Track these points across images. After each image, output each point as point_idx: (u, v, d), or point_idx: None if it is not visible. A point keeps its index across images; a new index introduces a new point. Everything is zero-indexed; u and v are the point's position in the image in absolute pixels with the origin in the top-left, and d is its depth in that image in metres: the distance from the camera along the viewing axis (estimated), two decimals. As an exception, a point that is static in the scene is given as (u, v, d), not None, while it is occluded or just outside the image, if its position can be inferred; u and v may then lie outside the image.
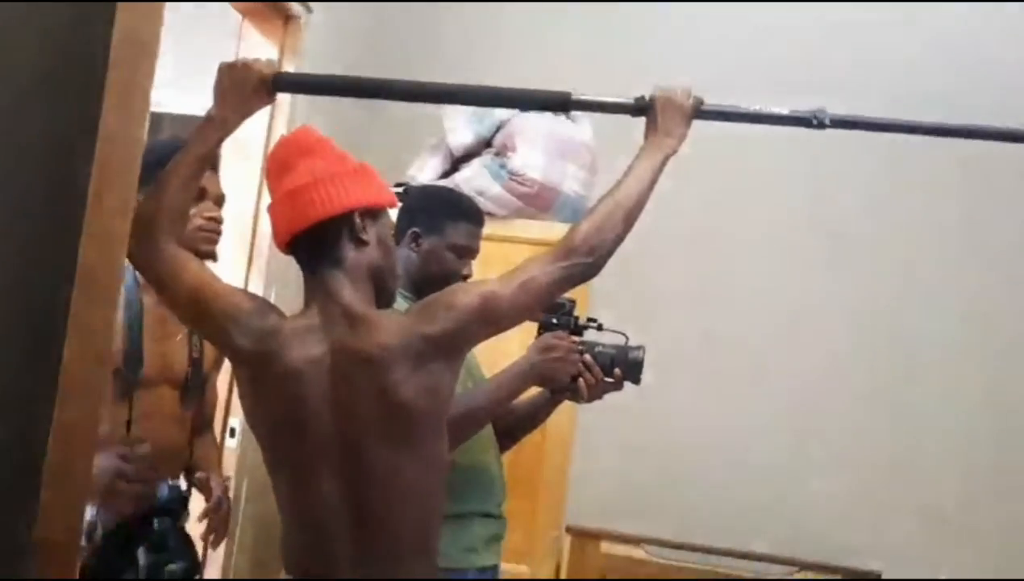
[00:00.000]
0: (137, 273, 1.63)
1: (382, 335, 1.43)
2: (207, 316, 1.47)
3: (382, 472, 1.43)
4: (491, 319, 1.46)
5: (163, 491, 1.68)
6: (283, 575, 1.48)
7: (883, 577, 2.69)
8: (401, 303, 1.66)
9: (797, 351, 2.91)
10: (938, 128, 1.67)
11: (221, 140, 1.54)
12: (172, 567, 1.66)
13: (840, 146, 2.62)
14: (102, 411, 1.61)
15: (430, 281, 1.71)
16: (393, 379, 1.41)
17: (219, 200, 1.82)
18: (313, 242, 1.48)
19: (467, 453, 1.81)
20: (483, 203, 2.49)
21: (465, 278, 1.84)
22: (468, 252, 1.87)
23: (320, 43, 2.70)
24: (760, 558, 2.73)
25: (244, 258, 2.57)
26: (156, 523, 1.66)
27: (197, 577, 1.78)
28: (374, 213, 1.52)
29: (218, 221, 1.81)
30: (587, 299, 2.83)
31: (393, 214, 1.65)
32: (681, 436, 2.91)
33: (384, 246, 1.53)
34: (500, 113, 2.54)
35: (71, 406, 0.77)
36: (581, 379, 1.78)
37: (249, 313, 1.46)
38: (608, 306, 2.82)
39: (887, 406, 2.85)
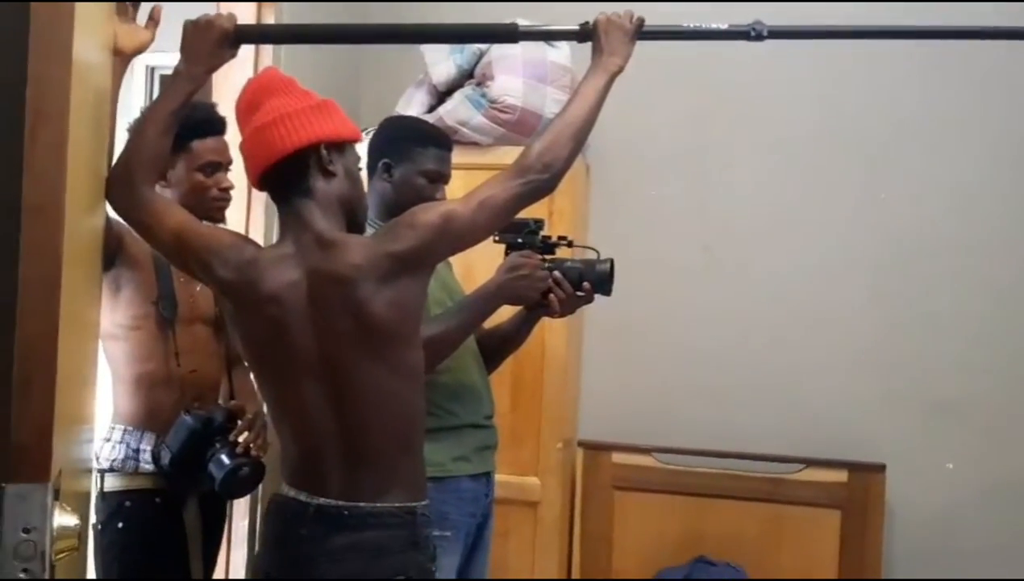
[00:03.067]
0: None
1: (352, 255, 1.52)
2: (190, 253, 1.58)
3: (361, 382, 1.53)
4: (452, 235, 1.55)
5: (218, 415, 1.89)
6: (283, 489, 1.59)
7: (887, 468, 2.75)
8: (371, 231, 1.74)
9: (797, 255, 2.94)
10: (881, 31, 1.70)
11: (191, 94, 1.62)
12: (244, 471, 1.86)
13: (835, 57, 2.64)
14: (151, 346, 1.87)
15: (404, 208, 1.80)
16: (364, 295, 1.51)
17: (229, 165, 1.95)
18: (283, 175, 1.57)
19: (452, 371, 1.93)
20: (466, 133, 2.56)
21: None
22: (439, 177, 1.95)
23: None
24: (766, 458, 2.81)
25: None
26: (218, 444, 1.85)
27: None
28: (340, 146, 1.61)
29: (231, 189, 1.97)
30: (586, 218, 2.91)
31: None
32: (685, 346, 2.98)
33: (352, 178, 1.63)
34: (481, 44, 2.59)
35: (28, 323, 0.88)
36: (551, 294, 1.86)
37: (229, 247, 1.57)
38: (610, 220, 2.91)
39: (888, 304, 2.88)
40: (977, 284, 2.82)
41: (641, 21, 1.62)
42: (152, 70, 3.68)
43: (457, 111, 2.57)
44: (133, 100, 3.37)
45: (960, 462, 2.81)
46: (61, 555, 0.93)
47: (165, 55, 3.53)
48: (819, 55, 2.55)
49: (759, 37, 1.58)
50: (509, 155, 2.54)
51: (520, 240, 1.90)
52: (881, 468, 2.76)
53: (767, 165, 2.97)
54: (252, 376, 1.66)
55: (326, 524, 1.53)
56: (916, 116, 2.87)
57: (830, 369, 2.90)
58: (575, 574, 2.86)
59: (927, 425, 2.83)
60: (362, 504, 1.54)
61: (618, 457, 2.88)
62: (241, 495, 2.00)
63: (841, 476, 2.77)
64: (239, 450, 1.87)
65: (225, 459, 1.84)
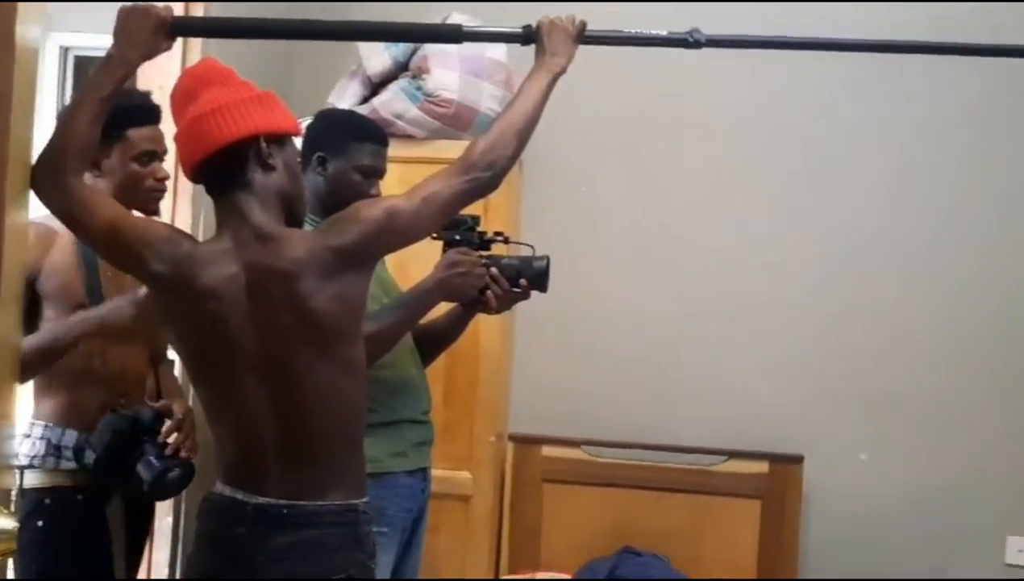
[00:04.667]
0: None
1: (292, 249, 1.50)
2: (123, 246, 1.53)
3: (302, 379, 1.52)
4: (395, 231, 1.54)
5: (146, 415, 1.84)
6: (218, 488, 1.56)
7: (806, 460, 2.85)
8: (310, 228, 1.72)
9: (725, 253, 3.00)
10: (819, 43, 1.75)
11: (122, 81, 1.57)
12: (174, 474, 1.82)
13: (769, 59, 2.70)
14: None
15: (339, 204, 1.78)
16: (305, 290, 1.49)
17: (164, 154, 1.91)
18: (220, 167, 1.54)
19: (391, 367, 1.92)
20: (401, 126, 2.55)
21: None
22: (375, 172, 1.93)
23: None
24: (691, 450, 2.88)
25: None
26: (146, 444, 1.80)
27: None
28: (279, 139, 1.59)
29: (167, 179, 1.92)
30: (519, 213, 2.93)
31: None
32: (615, 341, 3.02)
33: (291, 171, 1.60)
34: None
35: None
36: (489, 291, 1.87)
37: (163, 240, 1.53)
38: (542, 217, 2.93)
39: (811, 302, 2.96)
40: (898, 281, 2.93)
41: (583, 25, 1.64)
42: (66, 51, 3.53)
43: (392, 103, 2.55)
44: (45, 82, 3.23)
45: (875, 454, 2.93)
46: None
47: (79, 35, 3.43)
48: (753, 57, 2.61)
49: (697, 45, 1.63)
50: (445, 149, 2.57)
51: (458, 237, 1.90)
52: (799, 459, 2.86)
53: (699, 163, 3.02)
54: (186, 372, 1.62)
55: (265, 523, 1.51)
56: (848, 114, 2.95)
57: (754, 364, 2.98)
58: (504, 567, 2.88)
59: (844, 418, 2.94)
60: (303, 503, 1.52)
61: (548, 450, 2.91)
62: (170, 497, 1.96)
63: (762, 467, 2.86)
64: (168, 451, 1.82)
65: (154, 461, 1.80)
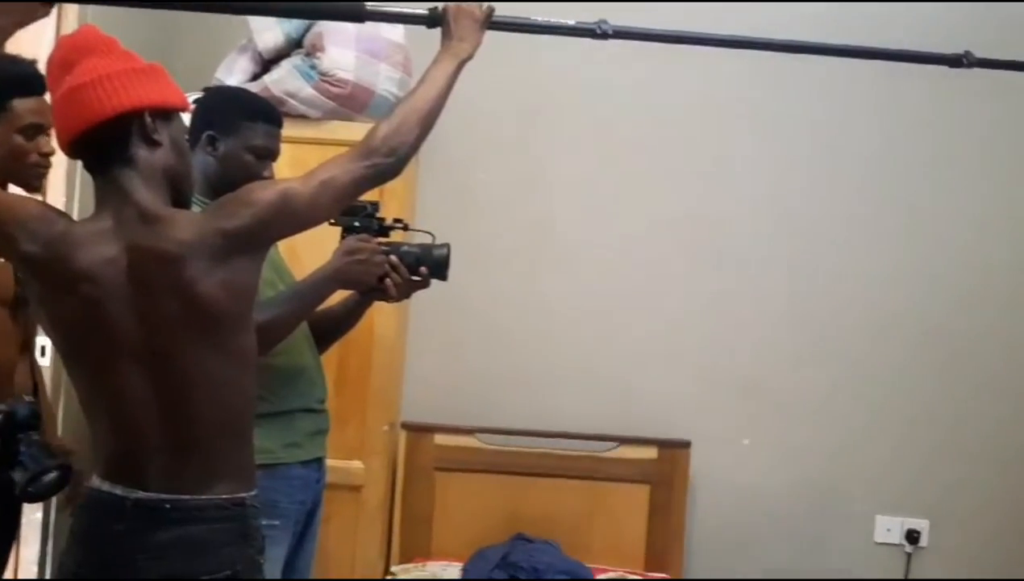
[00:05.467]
0: None
1: (179, 231, 1.42)
2: None
3: (187, 368, 1.44)
4: (290, 216, 1.48)
5: (21, 410, 1.72)
6: (95, 483, 1.48)
7: (692, 445, 2.93)
8: (198, 210, 1.64)
9: (617, 241, 3.04)
10: (726, 40, 1.78)
11: None
12: (51, 476, 1.70)
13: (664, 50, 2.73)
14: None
15: (230, 185, 1.69)
16: (192, 275, 1.41)
17: (50, 128, 1.78)
18: (101, 142, 1.44)
19: (285, 354, 1.86)
20: (294, 105, 2.47)
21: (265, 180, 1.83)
22: (268, 153, 1.86)
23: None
24: (583, 437, 2.92)
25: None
26: (21, 443, 1.68)
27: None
28: (166, 114, 1.50)
29: (52, 154, 1.80)
30: (414, 200, 2.88)
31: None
32: (508, 329, 3.03)
33: (178, 149, 1.52)
34: (314, 15, 2.48)
35: None
36: (388, 279, 1.83)
37: (36, 219, 1.43)
38: (437, 205, 2.89)
39: (697, 290, 3.04)
40: (780, 271, 3.03)
41: (491, 10, 1.61)
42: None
43: (284, 81, 2.46)
44: None
45: (756, 439, 3.03)
46: None
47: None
48: (646, 50, 2.64)
49: (604, 36, 1.63)
50: (339, 130, 2.51)
51: (357, 223, 1.85)
52: (687, 445, 2.93)
53: (595, 153, 3.04)
54: (61, 361, 1.51)
55: (146, 519, 1.43)
56: (730, 107, 3.01)
57: (643, 353, 3.03)
58: (395, 557, 2.85)
59: (728, 405, 3.03)
60: (186, 497, 1.45)
61: (441, 438, 2.89)
62: (45, 499, 1.83)
63: (651, 453, 2.92)
64: (45, 451, 1.70)
65: (29, 462, 1.68)
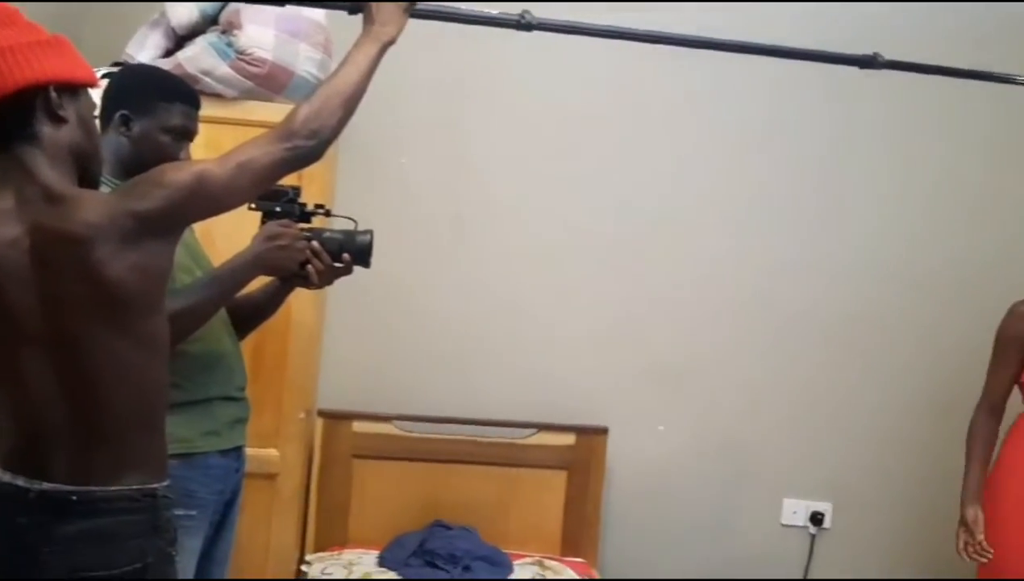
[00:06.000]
0: None
1: (87, 212, 1.37)
2: None
3: (94, 354, 1.39)
4: (205, 198, 1.44)
5: None
6: (-1, 473, 1.41)
7: (610, 431, 2.97)
8: (106, 190, 1.58)
9: (537, 229, 3.04)
10: (653, 36, 1.80)
11: None
12: None
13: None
14: None
15: (144, 167, 1.62)
16: (99, 257, 1.36)
17: None
18: (3, 118, 1.38)
19: (202, 341, 1.81)
20: (209, 84, 2.39)
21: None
22: (184, 133, 1.80)
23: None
24: (502, 424, 2.93)
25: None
26: None
27: None
28: (72, 89, 1.44)
29: None
30: (334, 185, 2.83)
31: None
32: (427, 315, 3.01)
33: (85, 126, 1.46)
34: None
35: None
36: (310, 265, 1.80)
37: None
38: (357, 190, 2.85)
39: (614, 279, 3.07)
40: (697, 261, 3.08)
41: None
42: None
43: (199, 59, 2.38)
44: None
45: (673, 424, 3.09)
46: None
47: None
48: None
49: (527, 27, 1.64)
50: (257, 110, 2.45)
51: (278, 208, 1.81)
52: (604, 431, 2.97)
53: (518, 140, 3.03)
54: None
55: (51, 511, 1.39)
56: (654, 101, 3.05)
57: (562, 340, 3.06)
58: (310, 545, 2.81)
59: (646, 391, 3.08)
60: (93, 488, 1.40)
61: (358, 426, 2.86)
62: None
63: (569, 439, 2.95)
64: None
65: None
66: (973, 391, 2.58)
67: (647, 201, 3.07)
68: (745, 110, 3.08)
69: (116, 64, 2.36)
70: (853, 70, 1.91)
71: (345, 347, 2.96)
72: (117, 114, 1.75)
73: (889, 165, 3.11)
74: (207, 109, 2.35)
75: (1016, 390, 2.53)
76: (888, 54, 1.86)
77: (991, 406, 2.53)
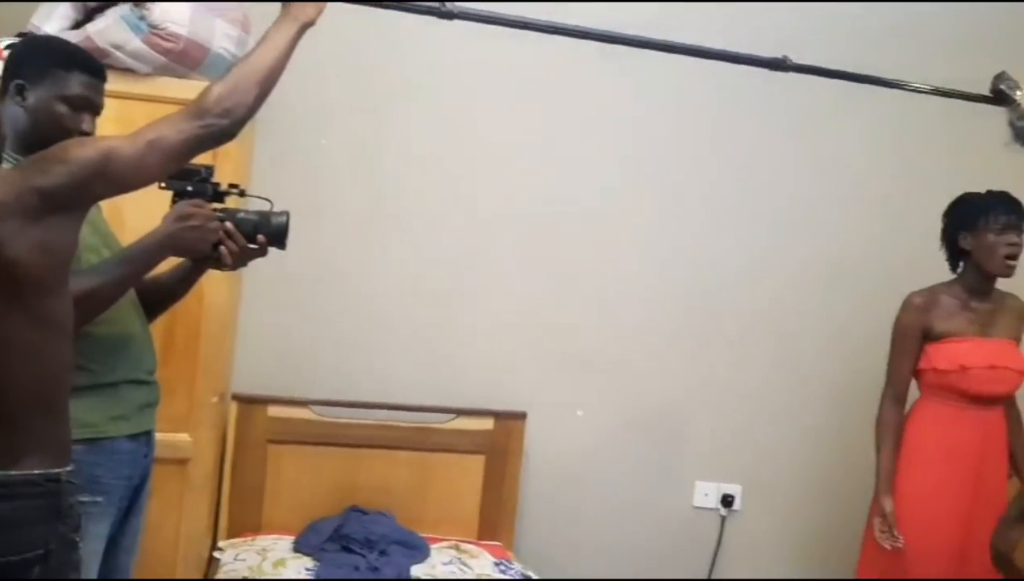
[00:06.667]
0: None
1: None
2: None
3: None
4: (113, 176, 1.40)
5: None
6: None
7: (528, 416, 3.01)
8: (8, 167, 1.52)
9: (457, 214, 3.04)
10: (571, 31, 1.81)
11: None
12: None
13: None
14: None
15: (42, 139, 1.57)
16: (2, 235, 1.31)
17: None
18: None
19: (109, 323, 1.76)
20: (120, 58, 2.32)
21: (84, 136, 1.71)
22: (86, 104, 1.73)
23: None
24: (420, 409, 2.93)
25: None
26: None
27: None
28: None
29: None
30: (250, 165, 2.78)
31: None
32: (344, 299, 2.98)
33: None
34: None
35: None
36: (223, 247, 1.77)
37: None
38: (274, 170, 2.80)
39: (533, 265, 3.09)
40: (613, 247, 3.13)
41: None
42: None
43: (110, 32, 2.30)
44: None
45: (590, 409, 3.14)
46: None
47: None
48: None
49: (448, 16, 1.64)
50: (170, 87, 2.38)
51: (190, 187, 1.77)
52: (522, 416, 3.00)
53: (440, 122, 3.01)
54: None
55: (-53, 497, 1.33)
56: (570, 89, 3.07)
57: (481, 325, 3.07)
58: (223, 531, 2.77)
59: (564, 377, 3.12)
60: (-8, 472, 1.36)
61: (274, 410, 2.83)
62: None
63: (487, 424, 2.97)
64: None
65: None
66: (875, 379, 2.70)
67: (567, 189, 3.10)
68: (674, 104, 3.14)
69: (20, 35, 2.27)
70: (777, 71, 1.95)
71: (261, 330, 2.92)
72: (12, 83, 1.68)
73: (803, 164, 3.21)
74: (118, 85, 2.29)
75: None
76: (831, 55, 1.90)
77: (896, 395, 2.64)
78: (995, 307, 2.63)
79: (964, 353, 2.56)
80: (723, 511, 3.23)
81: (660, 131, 3.15)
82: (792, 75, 1.94)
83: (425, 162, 3.02)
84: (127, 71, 2.34)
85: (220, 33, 2.41)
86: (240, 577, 2.47)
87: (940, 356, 2.57)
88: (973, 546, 2.51)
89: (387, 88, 2.99)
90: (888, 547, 2.50)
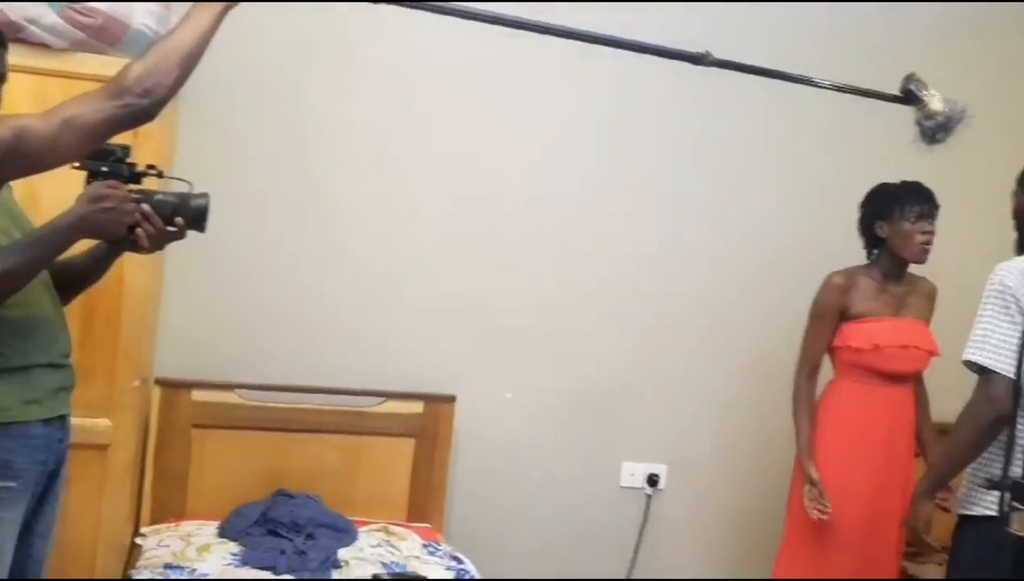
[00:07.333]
0: None
1: None
2: None
3: None
4: (25, 154, 1.37)
5: None
6: None
7: (457, 399, 3.02)
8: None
9: (382, 193, 3.01)
10: (508, 20, 1.81)
11: None
12: None
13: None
14: None
15: None
16: None
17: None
18: None
19: (21, 305, 1.71)
20: (35, 32, 2.25)
21: None
22: None
23: None
24: (349, 392, 2.92)
25: None
26: None
27: None
28: None
29: None
30: (174, 146, 2.72)
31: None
32: (271, 282, 2.95)
33: None
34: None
35: None
36: (140, 229, 1.73)
37: None
38: (199, 152, 2.75)
39: (461, 248, 3.10)
40: (543, 232, 3.15)
41: None
42: None
43: (25, 6, 2.23)
44: None
45: (519, 392, 3.17)
46: None
47: None
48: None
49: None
50: (86, 63, 2.32)
51: (105, 168, 1.72)
52: (452, 399, 3.01)
53: (368, 101, 2.99)
54: None
55: None
56: (510, 69, 3.07)
57: (410, 308, 3.06)
58: (145, 516, 2.73)
59: (493, 360, 3.14)
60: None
61: (199, 394, 2.79)
62: None
63: (417, 407, 2.98)
64: None
65: None
66: (791, 359, 2.79)
67: (498, 172, 3.11)
68: (608, 88, 3.16)
69: (-75, 6, 2.18)
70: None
71: (185, 314, 2.87)
72: None
73: (733, 148, 3.28)
74: (33, 60, 2.24)
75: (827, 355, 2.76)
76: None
77: (810, 369, 2.74)
78: (908, 290, 2.74)
79: (878, 333, 2.66)
80: (649, 490, 3.30)
81: (593, 114, 3.18)
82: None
83: (354, 143, 3.00)
84: (42, 46, 2.27)
85: (141, 9, 2.35)
86: (163, 563, 2.43)
87: (856, 335, 2.67)
88: (882, 517, 2.62)
89: (316, 68, 2.95)
90: (816, 517, 2.58)
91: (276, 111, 2.93)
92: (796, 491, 2.71)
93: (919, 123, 1.90)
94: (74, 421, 1.93)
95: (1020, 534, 1.09)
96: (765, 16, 3.20)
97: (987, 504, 1.98)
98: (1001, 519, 1.12)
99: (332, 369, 2.96)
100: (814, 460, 2.65)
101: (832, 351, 2.75)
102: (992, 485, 1.93)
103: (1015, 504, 1.09)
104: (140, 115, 1.45)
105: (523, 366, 3.17)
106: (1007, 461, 1.15)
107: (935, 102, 1.88)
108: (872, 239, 2.74)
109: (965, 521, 2.15)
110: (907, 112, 2.13)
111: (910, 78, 2.06)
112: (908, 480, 2.61)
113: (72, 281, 1.87)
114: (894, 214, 2.65)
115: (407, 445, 2.98)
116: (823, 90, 2.10)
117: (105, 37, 2.31)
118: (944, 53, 3.14)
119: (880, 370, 2.64)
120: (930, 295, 2.79)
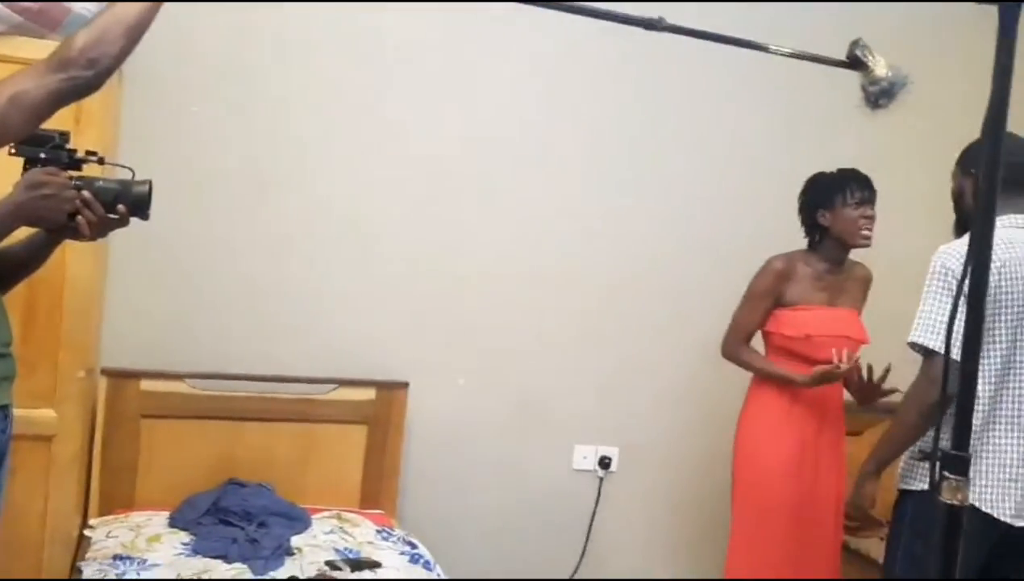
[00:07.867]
0: None
1: None
2: None
3: None
4: (-31, 138, 1.33)
5: None
6: None
7: (410, 386, 3.02)
8: None
9: (332, 178, 2.99)
10: None
11: None
12: None
13: None
14: None
15: None
16: None
17: None
18: None
19: (-41, 294, 1.67)
20: (-29, 15, 2.19)
21: None
22: None
23: None
24: (301, 380, 2.91)
25: None
26: None
27: None
28: None
29: None
30: (118, 130, 2.68)
31: None
32: (222, 269, 2.92)
33: None
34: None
35: None
36: (80, 216, 1.70)
37: None
38: (143, 137, 2.71)
39: (415, 233, 3.09)
40: (492, 218, 3.16)
41: None
42: None
43: (-40, -13, 2.17)
44: None
45: (471, 378, 3.18)
46: None
47: None
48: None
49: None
50: (25, 47, 2.26)
51: (44, 155, 1.69)
52: (404, 386, 3.01)
53: (318, 84, 2.96)
54: None
55: None
56: (465, 49, 3.07)
57: (362, 295, 3.05)
58: (93, 508, 2.69)
59: (445, 346, 3.15)
60: None
61: (147, 384, 2.75)
62: None
63: (369, 394, 2.98)
64: None
65: None
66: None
67: (447, 156, 3.10)
68: (551, 70, 3.17)
69: None
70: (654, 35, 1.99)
71: (131, 302, 2.82)
72: None
73: (679, 133, 3.31)
74: (-33, 43, 2.17)
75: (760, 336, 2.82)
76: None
77: (743, 341, 2.80)
78: (844, 278, 2.80)
79: (810, 322, 2.72)
80: (601, 472, 3.34)
81: (544, 98, 3.19)
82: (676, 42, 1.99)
83: (300, 127, 2.97)
84: (-22, 29, 2.22)
85: (82, -8, 2.30)
86: (112, 554, 2.40)
87: (788, 323, 2.73)
88: (813, 499, 2.70)
89: (263, 53, 2.92)
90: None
91: (222, 97, 2.89)
92: (740, 474, 2.77)
93: (864, 88, 1.94)
94: (18, 412, 1.90)
95: (950, 502, 1.13)
96: (735, 19, 3.21)
97: (923, 477, 2.05)
98: (933, 489, 1.17)
99: (283, 356, 2.95)
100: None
101: (764, 334, 2.81)
102: (924, 456, 2.00)
103: (945, 473, 1.13)
104: (84, 88, 1.42)
105: (475, 351, 3.18)
106: (937, 432, 1.20)
107: (880, 67, 1.91)
108: (813, 227, 2.79)
109: (904, 495, 2.23)
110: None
111: (856, 44, 2.09)
112: (839, 465, 2.71)
113: (11, 270, 1.84)
114: (835, 202, 2.71)
115: (360, 432, 2.98)
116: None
117: (45, 21, 2.26)
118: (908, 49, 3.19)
119: (810, 358, 2.69)
120: (865, 281, 2.85)
